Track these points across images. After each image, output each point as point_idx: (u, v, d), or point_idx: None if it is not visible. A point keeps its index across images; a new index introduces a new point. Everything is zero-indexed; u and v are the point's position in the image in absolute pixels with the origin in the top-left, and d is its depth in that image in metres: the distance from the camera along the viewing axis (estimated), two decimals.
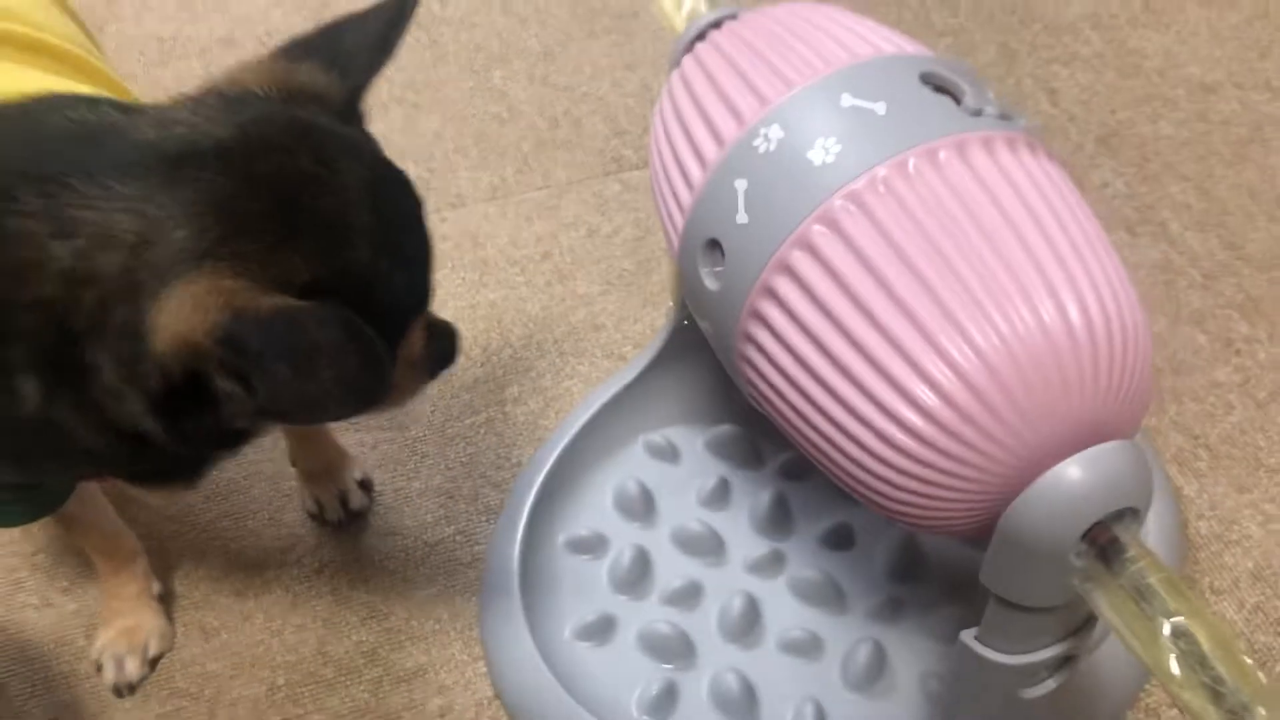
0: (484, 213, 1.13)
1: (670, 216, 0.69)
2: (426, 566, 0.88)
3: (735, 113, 0.64)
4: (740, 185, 0.62)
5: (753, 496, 0.85)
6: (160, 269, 0.49)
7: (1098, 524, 0.53)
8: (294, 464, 0.91)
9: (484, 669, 0.81)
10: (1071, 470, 0.53)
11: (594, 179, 1.15)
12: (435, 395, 0.97)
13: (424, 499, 0.92)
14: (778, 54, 0.65)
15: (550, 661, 0.75)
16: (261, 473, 0.93)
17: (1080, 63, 1.24)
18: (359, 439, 0.95)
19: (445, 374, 0.69)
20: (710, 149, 0.65)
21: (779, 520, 0.84)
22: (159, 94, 0.59)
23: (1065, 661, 0.62)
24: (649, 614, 0.80)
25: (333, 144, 0.56)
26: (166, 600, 0.86)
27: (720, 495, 0.86)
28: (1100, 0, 1.30)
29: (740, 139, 0.63)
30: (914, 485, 0.56)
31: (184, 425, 0.52)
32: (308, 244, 0.52)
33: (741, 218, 0.62)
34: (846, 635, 0.78)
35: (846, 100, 0.60)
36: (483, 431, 0.96)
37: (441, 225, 1.09)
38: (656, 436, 0.90)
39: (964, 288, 0.54)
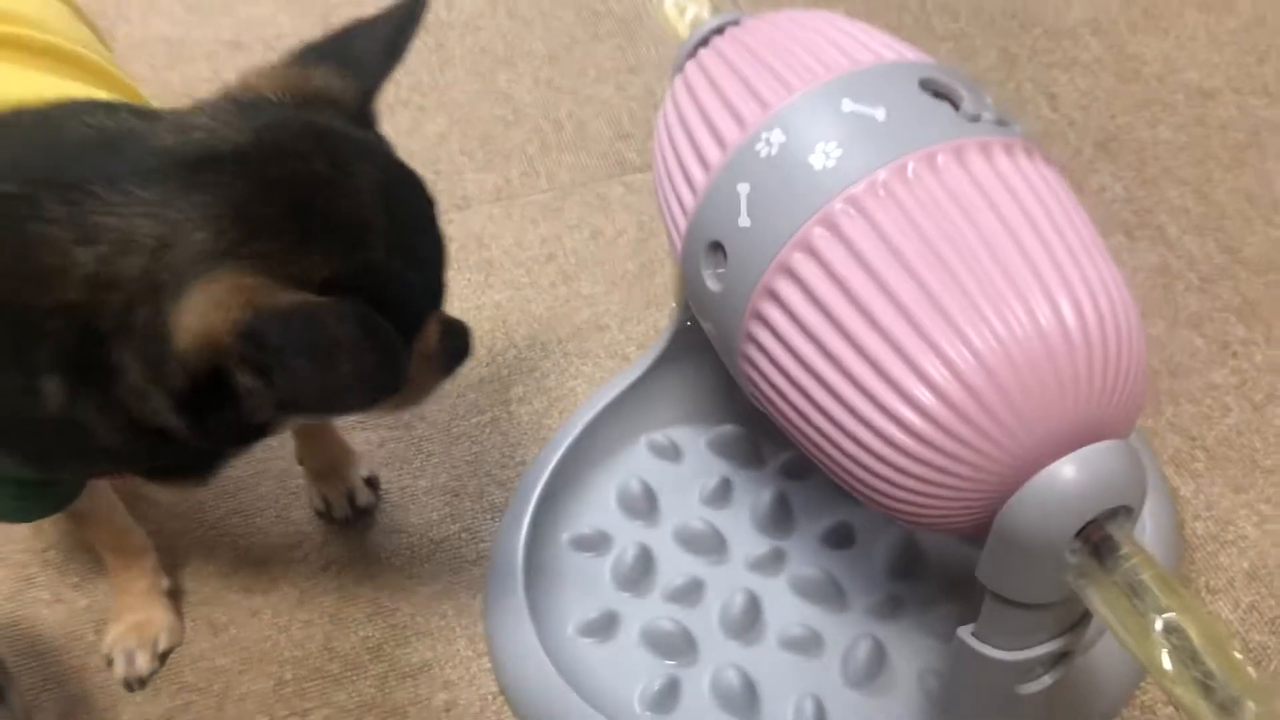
0: (489, 214, 1.13)
1: (673, 219, 0.70)
2: (432, 563, 0.88)
3: (737, 117, 0.65)
4: (742, 189, 0.62)
5: (754, 495, 0.86)
6: (181, 270, 0.50)
7: (1092, 522, 0.54)
8: (301, 462, 0.92)
9: (488, 664, 0.82)
10: (1066, 469, 0.54)
11: (598, 181, 1.16)
12: (441, 394, 0.98)
13: (430, 497, 0.92)
14: (780, 60, 0.65)
15: (554, 657, 0.76)
16: (269, 470, 0.94)
17: (1080, 68, 1.24)
18: (366, 437, 0.96)
19: (459, 370, 0.69)
20: (713, 153, 0.65)
21: (780, 519, 0.85)
22: (167, 97, 0.60)
23: (1061, 658, 0.62)
24: (651, 611, 0.81)
25: (347, 147, 0.57)
26: (175, 596, 0.87)
27: (722, 494, 0.87)
28: (1100, 6, 1.30)
29: (742, 143, 0.63)
30: (912, 483, 0.57)
31: (206, 421, 0.53)
32: (324, 244, 0.53)
33: (744, 220, 0.62)
34: (846, 632, 0.79)
35: (847, 105, 0.61)
36: (488, 430, 0.96)
37: (447, 227, 1.07)
38: (659, 436, 0.90)
39: (961, 290, 0.55)
